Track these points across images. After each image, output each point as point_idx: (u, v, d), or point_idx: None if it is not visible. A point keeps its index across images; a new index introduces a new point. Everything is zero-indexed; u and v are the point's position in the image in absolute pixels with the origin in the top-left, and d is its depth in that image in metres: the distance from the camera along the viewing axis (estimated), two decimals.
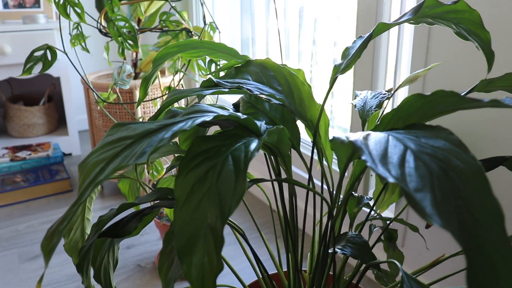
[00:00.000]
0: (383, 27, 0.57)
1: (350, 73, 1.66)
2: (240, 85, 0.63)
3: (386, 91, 0.86)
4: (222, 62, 1.29)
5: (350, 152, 0.54)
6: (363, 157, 0.40)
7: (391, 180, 0.37)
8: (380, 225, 1.05)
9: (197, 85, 2.31)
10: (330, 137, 0.51)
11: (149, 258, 1.52)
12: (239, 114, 0.51)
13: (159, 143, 0.45)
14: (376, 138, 0.44)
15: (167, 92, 1.30)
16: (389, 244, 1.01)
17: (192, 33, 1.30)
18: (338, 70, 0.59)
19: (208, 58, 1.28)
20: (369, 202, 0.95)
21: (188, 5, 2.33)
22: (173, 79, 1.31)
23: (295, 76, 0.65)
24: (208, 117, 0.48)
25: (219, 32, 1.24)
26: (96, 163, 0.48)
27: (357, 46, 0.63)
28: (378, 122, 0.52)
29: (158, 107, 1.43)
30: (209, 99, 1.28)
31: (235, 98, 2.20)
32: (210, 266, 0.43)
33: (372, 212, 1.24)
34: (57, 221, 0.47)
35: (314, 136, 0.61)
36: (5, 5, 2.35)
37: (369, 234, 0.93)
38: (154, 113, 0.81)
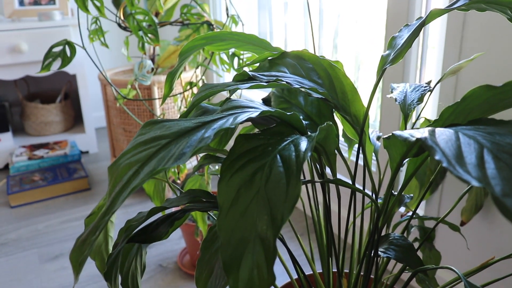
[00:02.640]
0: (437, 13, 0.52)
1: (373, 65, 1.61)
2: (278, 78, 0.58)
3: (426, 83, 0.81)
4: (246, 56, 1.24)
5: (405, 150, 0.49)
6: (437, 157, 0.35)
7: (474, 183, 0.32)
8: (415, 224, 1.00)
9: (221, 80, 2.26)
10: (385, 135, 0.46)
11: (171, 258, 1.48)
12: (282, 110, 0.46)
13: (200, 143, 0.41)
14: (444, 135, 0.39)
15: (188, 88, 1.26)
16: (425, 244, 0.96)
17: (214, 26, 1.25)
18: (387, 61, 0.54)
19: (231, 52, 1.23)
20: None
21: None
22: (194, 73, 1.26)
23: (336, 68, 0.60)
24: (253, 114, 0.43)
25: (243, 24, 1.19)
26: (128, 166, 0.44)
27: (404, 35, 0.58)
28: (437, 117, 0.47)
29: (179, 103, 1.39)
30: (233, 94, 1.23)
31: (255, 94, 2.15)
32: (260, 280, 0.38)
33: (403, 210, 1.18)
34: (86, 231, 0.43)
35: (361, 133, 0.56)
36: (21, 3, 2.32)
37: (407, 234, 0.88)
38: (185, 110, 0.77)
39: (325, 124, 0.44)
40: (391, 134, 0.42)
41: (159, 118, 0.47)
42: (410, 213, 1.26)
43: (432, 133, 0.40)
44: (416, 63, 1.25)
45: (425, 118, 1.00)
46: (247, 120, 0.43)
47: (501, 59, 0.97)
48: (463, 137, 0.39)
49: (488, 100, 0.44)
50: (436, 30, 1.24)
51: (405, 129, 0.77)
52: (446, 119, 0.47)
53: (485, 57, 1.00)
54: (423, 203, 1.31)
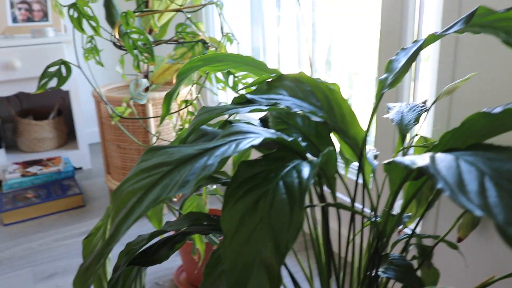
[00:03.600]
0: (433, 38, 0.53)
1: (366, 83, 1.62)
2: (277, 101, 0.59)
3: (422, 103, 0.82)
4: (240, 74, 1.25)
5: (405, 174, 0.49)
6: (440, 186, 0.36)
7: (477, 212, 0.33)
8: (413, 242, 1.00)
9: (215, 98, 2.27)
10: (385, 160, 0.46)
11: (167, 276, 1.47)
12: (285, 135, 0.47)
13: (203, 171, 0.41)
14: (445, 162, 0.40)
15: (183, 106, 1.26)
16: (423, 261, 0.97)
17: (209, 44, 1.26)
18: (385, 85, 0.55)
19: (226, 70, 1.24)
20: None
21: (198, 16, 2.30)
22: (189, 92, 1.27)
23: (334, 91, 0.61)
24: (255, 140, 0.43)
25: (238, 43, 1.20)
26: (132, 192, 0.44)
27: (401, 58, 0.59)
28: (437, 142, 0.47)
29: (174, 121, 1.39)
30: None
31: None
32: None
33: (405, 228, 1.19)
34: (89, 259, 0.43)
35: (360, 156, 0.57)
36: (14, 20, 2.33)
37: (406, 252, 0.88)
38: (182, 133, 0.77)
39: (326, 150, 0.45)
40: (392, 160, 0.43)
41: (161, 145, 0.48)
42: (407, 230, 1.27)
43: (433, 160, 0.40)
44: (409, 80, 1.26)
45: (421, 136, 1.01)
46: (249, 148, 0.43)
47: (495, 78, 0.99)
48: (464, 163, 0.39)
49: (486, 126, 0.45)
50: (430, 48, 1.26)
51: (402, 147, 0.78)
52: (445, 143, 0.47)
53: (479, 77, 1.02)
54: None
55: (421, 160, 0.40)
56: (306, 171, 0.42)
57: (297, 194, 0.40)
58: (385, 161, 0.45)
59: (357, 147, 0.58)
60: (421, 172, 0.48)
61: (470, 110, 1.05)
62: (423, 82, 1.29)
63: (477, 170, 0.38)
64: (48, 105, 2.68)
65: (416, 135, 0.97)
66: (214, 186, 0.96)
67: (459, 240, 1.10)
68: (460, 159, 0.41)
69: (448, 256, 1.20)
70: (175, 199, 1.14)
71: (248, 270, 0.39)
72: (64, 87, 2.29)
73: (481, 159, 0.40)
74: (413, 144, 1.00)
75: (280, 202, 0.40)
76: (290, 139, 0.46)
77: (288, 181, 0.42)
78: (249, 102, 0.62)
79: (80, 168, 2.45)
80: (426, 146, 0.98)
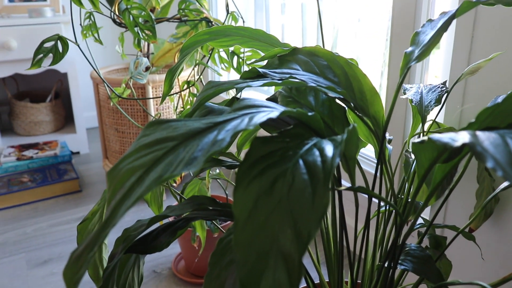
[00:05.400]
0: (469, 5, 0.48)
1: (375, 64, 1.57)
2: (292, 75, 0.54)
3: (441, 84, 0.77)
4: (246, 55, 1.19)
5: (435, 155, 0.44)
6: (490, 165, 0.31)
7: None
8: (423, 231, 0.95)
9: (218, 79, 2.21)
10: (416, 138, 0.41)
11: (165, 264, 1.43)
12: (302, 110, 0.42)
13: (213, 147, 0.36)
14: (490, 140, 0.35)
15: (185, 87, 1.21)
16: (436, 252, 0.92)
17: (213, 23, 1.20)
18: (411, 59, 0.50)
19: (230, 50, 1.18)
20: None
21: None
22: (192, 72, 1.21)
23: (353, 66, 0.56)
24: (272, 113, 0.38)
25: (243, 21, 1.14)
26: (130, 171, 0.39)
27: (428, 30, 0.54)
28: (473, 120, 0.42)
29: (175, 103, 1.34)
30: (230, 93, 1.18)
31: (253, 94, 2.10)
32: None
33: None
34: (82, 245, 0.38)
35: (382, 138, 0.51)
36: None
37: (419, 242, 0.83)
38: (183, 114, 0.72)
39: (351, 126, 0.40)
40: (426, 138, 0.38)
41: (164, 119, 0.42)
42: (419, 220, 1.22)
43: (476, 137, 0.35)
44: (420, 65, 1.21)
45: (433, 121, 0.96)
46: (266, 121, 0.38)
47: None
48: None
49: None
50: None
51: (421, 130, 0.73)
52: (482, 121, 0.42)
53: (496, 60, 0.96)
54: (427, 208, 1.27)
55: (462, 137, 0.35)
56: (329, 149, 0.37)
57: (320, 175, 0.35)
58: (417, 140, 0.40)
59: (378, 127, 0.53)
60: (452, 151, 0.43)
61: (485, 94, 1.00)
62: (431, 69, 1.24)
63: None
64: (45, 87, 2.62)
65: (429, 120, 0.92)
66: (217, 170, 0.91)
67: (470, 231, 1.06)
68: (506, 137, 0.36)
69: (458, 247, 1.15)
70: (175, 184, 1.09)
71: (263, 260, 0.34)
72: (61, 69, 2.23)
73: None
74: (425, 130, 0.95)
75: (301, 184, 0.35)
76: (311, 114, 0.41)
77: (309, 160, 0.37)
78: (260, 76, 0.56)
79: (77, 153, 2.40)
80: (441, 131, 0.93)
